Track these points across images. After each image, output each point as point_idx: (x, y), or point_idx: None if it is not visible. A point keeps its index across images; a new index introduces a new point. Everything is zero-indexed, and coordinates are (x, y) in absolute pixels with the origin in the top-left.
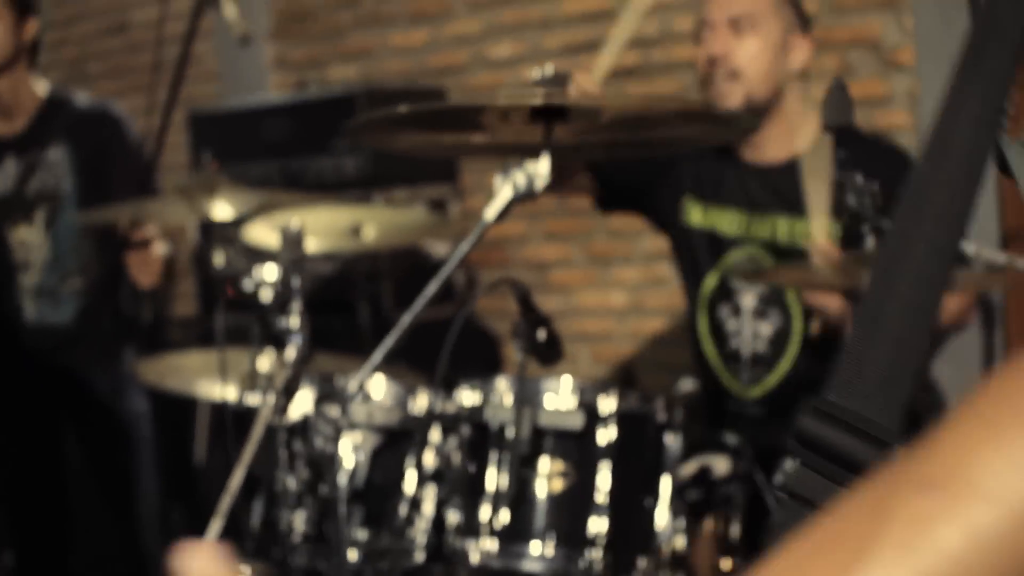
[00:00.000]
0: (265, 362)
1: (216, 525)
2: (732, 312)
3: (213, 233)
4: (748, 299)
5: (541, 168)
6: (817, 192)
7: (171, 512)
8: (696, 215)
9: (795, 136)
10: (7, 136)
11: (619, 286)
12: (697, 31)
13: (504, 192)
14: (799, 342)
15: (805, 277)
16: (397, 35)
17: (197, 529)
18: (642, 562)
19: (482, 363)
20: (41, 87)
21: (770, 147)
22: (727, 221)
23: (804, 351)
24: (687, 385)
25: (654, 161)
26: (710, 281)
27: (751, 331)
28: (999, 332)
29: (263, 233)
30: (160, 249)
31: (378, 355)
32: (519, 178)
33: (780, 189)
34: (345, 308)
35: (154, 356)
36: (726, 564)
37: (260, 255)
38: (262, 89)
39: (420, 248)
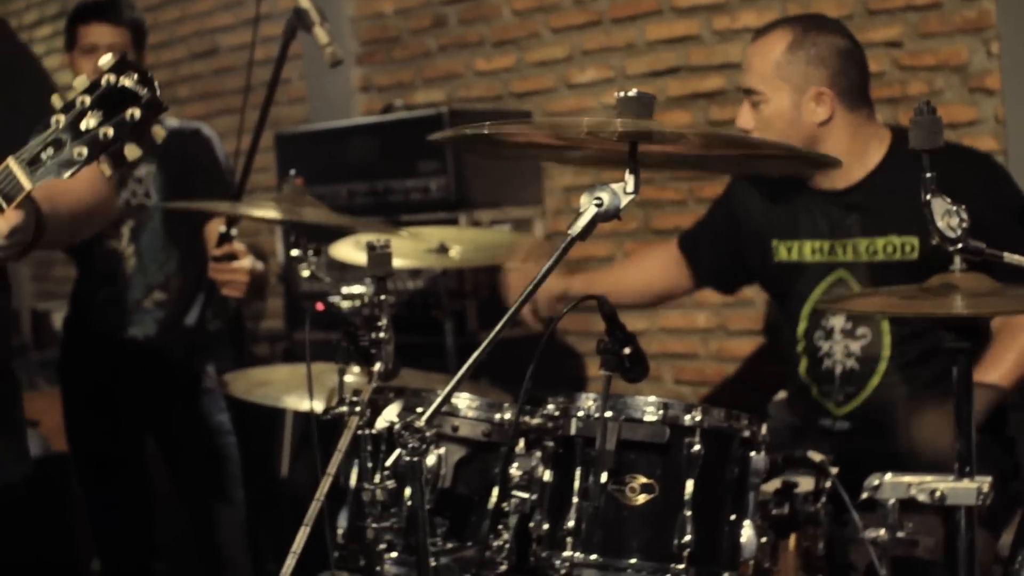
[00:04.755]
0: (352, 376)
1: (302, 534)
2: (824, 335)
3: (299, 250)
4: (838, 320)
5: (626, 187)
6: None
7: (256, 522)
8: (782, 252)
9: (861, 160)
10: None
11: (703, 307)
12: None
13: (589, 210)
14: (888, 358)
15: (889, 304)
16: (483, 59)
17: (282, 539)
18: None
19: (565, 381)
20: None
21: (838, 175)
22: (810, 250)
23: (892, 368)
24: (781, 395)
25: (726, 235)
26: (805, 309)
27: (842, 349)
28: None
29: (348, 250)
30: (246, 262)
31: (464, 368)
32: (604, 197)
33: (855, 211)
34: (430, 326)
35: (240, 370)
36: None
37: (346, 272)
38: (350, 112)
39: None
